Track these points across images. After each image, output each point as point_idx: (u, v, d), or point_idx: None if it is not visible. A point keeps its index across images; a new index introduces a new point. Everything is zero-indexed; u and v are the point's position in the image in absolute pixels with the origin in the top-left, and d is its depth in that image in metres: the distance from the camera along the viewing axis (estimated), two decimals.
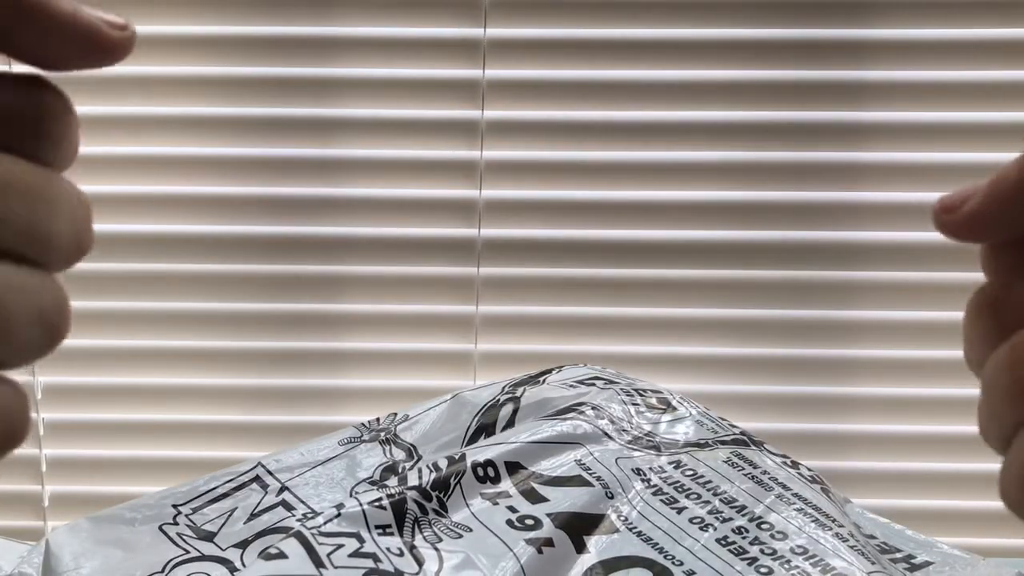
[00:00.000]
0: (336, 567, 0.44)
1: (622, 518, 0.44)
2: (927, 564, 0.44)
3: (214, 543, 0.48)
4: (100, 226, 0.85)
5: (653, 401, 0.53)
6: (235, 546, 0.48)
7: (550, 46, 0.82)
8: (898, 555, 0.45)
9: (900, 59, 0.81)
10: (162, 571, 0.46)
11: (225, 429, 0.89)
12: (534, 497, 0.44)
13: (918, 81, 0.82)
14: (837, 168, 0.84)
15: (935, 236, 0.84)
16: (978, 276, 0.87)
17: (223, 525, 0.49)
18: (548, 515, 0.43)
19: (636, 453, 0.48)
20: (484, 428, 0.53)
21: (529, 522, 0.43)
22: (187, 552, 0.47)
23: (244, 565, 0.46)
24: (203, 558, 0.47)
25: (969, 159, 0.83)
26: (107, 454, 0.89)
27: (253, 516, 0.49)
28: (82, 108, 0.84)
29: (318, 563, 0.43)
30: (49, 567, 0.46)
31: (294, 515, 0.49)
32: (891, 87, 0.82)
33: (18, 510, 0.91)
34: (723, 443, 0.51)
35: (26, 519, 0.91)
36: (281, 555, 0.44)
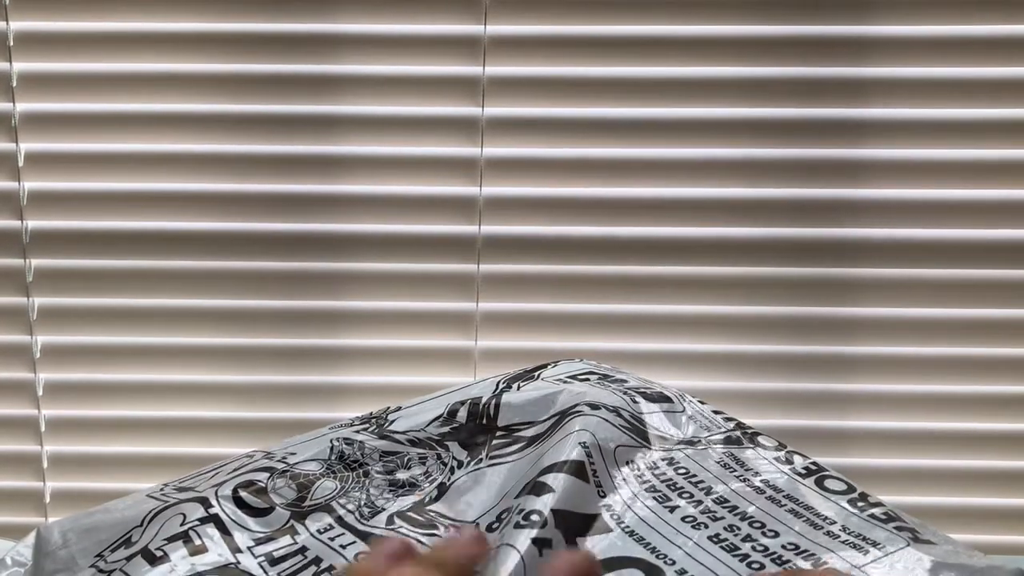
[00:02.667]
0: (315, 499, 0.44)
1: (615, 517, 0.44)
2: (930, 543, 0.44)
3: (193, 491, 0.49)
4: (100, 223, 0.86)
5: (647, 395, 0.53)
6: (212, 487, 0.48)
7: (550, 43, 0.82)
8: (904, 524, 0.46)
9: (903, 56, 0.81)
10: (140, 524, 0.46)
11: (226, 426, 0.89)
12: (540, 488, 0.44)
13: (921, 78, 0.82)
14: (838, 165, 0.83)
15: (937, 233, 0.85)
16: (978, 273, 0.88)
17: (206, 480, 0.50)
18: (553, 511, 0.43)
19: (631, 446, 0.48)
20: (470, 399, 0.53)
21: (535, 518, 0.43)
22: (165, 502, 0.48)
23: (219, 499, 0.46)
24: (180, 502, 0.47)
25: (971, 156, 0.83)
26: (108, 450, 0.90)
27: (237, 470, 0.50)
28: (84, 105, 0.85)
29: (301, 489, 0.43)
30: (40, 548, 0.47)
31: (273, 459, 0.49)
32: (894, 84, 0.82)
33: (20, 506, 0.91)
34: (716, 442, 0.51)
35: (28, 515, 0.91)
36: (253, 484, 0.44)
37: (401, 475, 0.47)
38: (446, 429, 0.51)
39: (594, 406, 0.48)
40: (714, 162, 0.84)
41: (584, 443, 0.46)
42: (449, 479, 0.47)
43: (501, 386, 0.54)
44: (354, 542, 0.43)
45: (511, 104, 0.83)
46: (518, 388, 0.53)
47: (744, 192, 0.84)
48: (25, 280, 0.86)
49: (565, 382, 0.55)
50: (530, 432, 0.48)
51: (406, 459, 0.49)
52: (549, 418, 0.49)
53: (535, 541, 0.42)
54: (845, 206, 0.84)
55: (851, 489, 0.49)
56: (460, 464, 0.49)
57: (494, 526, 0.44)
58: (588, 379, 0.55)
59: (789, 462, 0.51)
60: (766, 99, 0.82)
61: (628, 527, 0.43)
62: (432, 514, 0.44)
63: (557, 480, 0.44)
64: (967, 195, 0.83)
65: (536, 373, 0.57)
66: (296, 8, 0.82)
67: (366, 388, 0.88)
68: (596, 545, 0.42)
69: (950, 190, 0.83)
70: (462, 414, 0.52)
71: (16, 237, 0.85)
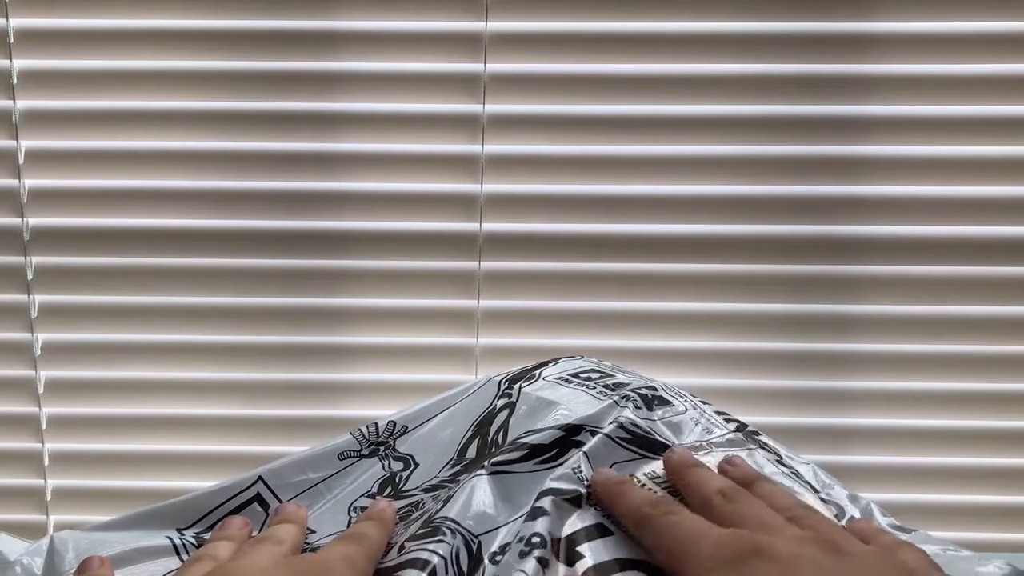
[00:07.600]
0: None
1: (614, 521, 0.43)
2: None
3: None
4: (103, 220, 0.86)
5: (647, 399, 0.53)
6: None
7: (551, 40, 0.82)
8: (900, 535, 0.46)
9: (904, 53, 0.81)
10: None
11: (228, 423, 0.89)
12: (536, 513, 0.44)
13: (922, 74, 0.82)
14: (839, 161, 0.83)
15: (939, 230, 0.85)
16: (978, 270, 0.88)
17: None
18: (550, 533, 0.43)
19: (629, 460, 0.48)
20: (479, 433, 0.53)
21: (536, 540, 0.42)
22: (181, 550, 0.47)
23: None
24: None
25: (972, 153, 0.83)
26: (109, 448, 0.90)
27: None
28: (85, 102, 0.85)
29: None
30: (52, 565, 0.46)
31: None
32: (895, 81, 0.82)
33: (21, 504, 0.91)
34: (718, 445, 0.51)
35: (28, 513, 0.91)
36: None
37: (415, 515, 0.48)
38: (458, 468, 0.51)
39: (594, 432, 0.48)
40: (715, 159, 0.84)
41: (577, 470, 0.46)
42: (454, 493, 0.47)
43: (504, 396, 0.54)
44: None
45: (512, 101, 0.83)
46: (522, 411, 0.52)
47: (745, 189, 0.84)
48: (26, 277, 0.86)
49: (567, 381, 0.55)
50: (531, 440, 0.48)
51: (420, 503, 0.49)
52: (553, 433, 0.49)
53: (539, 560, 0.42)
54: (846, 203, 0.84)
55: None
56: None
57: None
58: (590, 377, 0.55)
59: (788, 466, 0.51)
60: (767, 95, 0.82)
61: (628, 528, 0.43)
62: (439, 520, 0.44)
63: (551, 504, 0.44)
64: (968, 192, 0.83)
65: (537, 371, 0.57)
66: (297, 5, 0.81)
67: (367, 385, 0.88)
68: (597, 547, 0.42)
69: (951, 187, 0.83)
70: (472, 451, 0.52)
71: (17, 234, 0.85)
